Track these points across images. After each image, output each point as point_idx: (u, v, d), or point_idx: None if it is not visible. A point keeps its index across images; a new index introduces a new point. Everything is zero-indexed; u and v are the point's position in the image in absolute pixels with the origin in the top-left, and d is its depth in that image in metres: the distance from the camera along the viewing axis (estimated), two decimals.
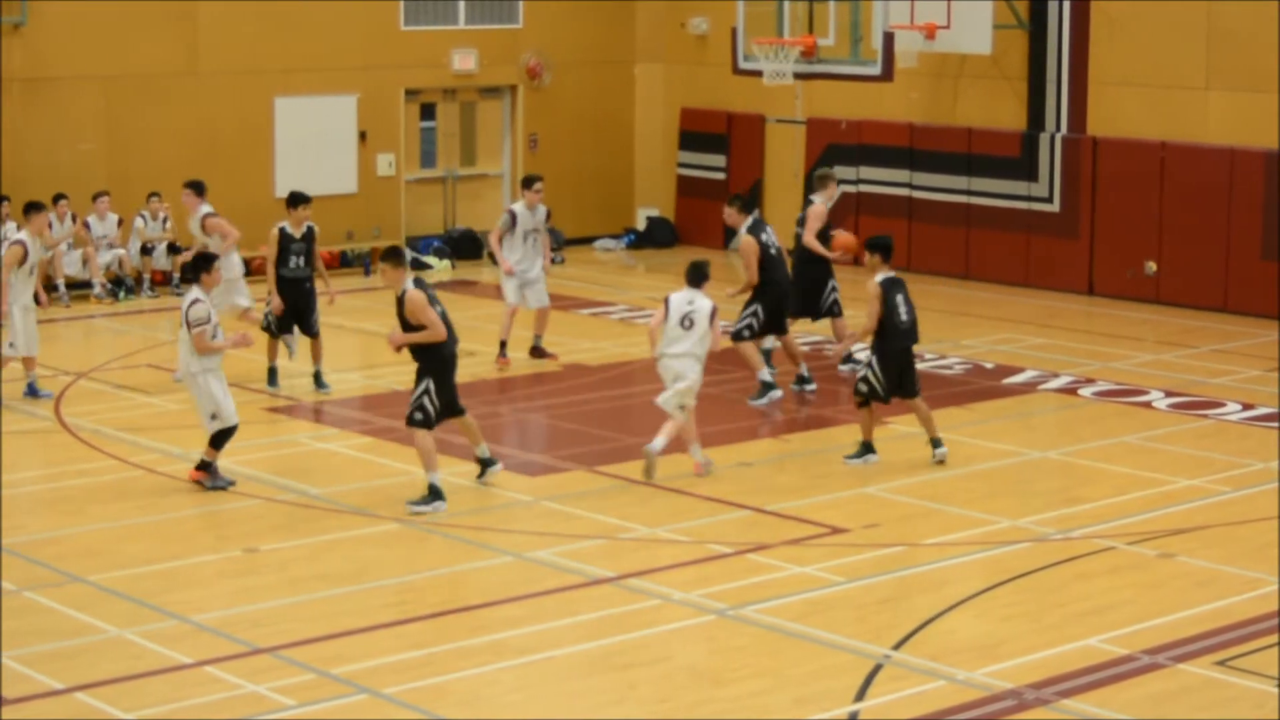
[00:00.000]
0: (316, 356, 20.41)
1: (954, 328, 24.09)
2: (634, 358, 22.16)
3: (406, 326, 15.78)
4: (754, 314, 19.74)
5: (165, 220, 26.40)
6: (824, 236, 20.68)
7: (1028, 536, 15.13)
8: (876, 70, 26.72)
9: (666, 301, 16.98)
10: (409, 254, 28.80)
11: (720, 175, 30.76)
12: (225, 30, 27.63)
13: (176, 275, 26.05)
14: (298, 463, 17.62)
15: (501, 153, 30.95)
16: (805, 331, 22.35)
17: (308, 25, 28.32)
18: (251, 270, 26.78)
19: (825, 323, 21.67)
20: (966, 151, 27.64)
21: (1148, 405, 19.85)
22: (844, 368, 21.17)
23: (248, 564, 14.44)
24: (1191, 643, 12.60)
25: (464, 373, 20.43)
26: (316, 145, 28.50)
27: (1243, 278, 24.87)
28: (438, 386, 15.80)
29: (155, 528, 15.39)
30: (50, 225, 24.29)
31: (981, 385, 20.86)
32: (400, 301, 15.76)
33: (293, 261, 20.17)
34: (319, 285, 20.46)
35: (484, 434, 16.66)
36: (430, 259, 29.04)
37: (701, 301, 16.86)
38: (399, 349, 16.03)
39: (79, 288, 25.99)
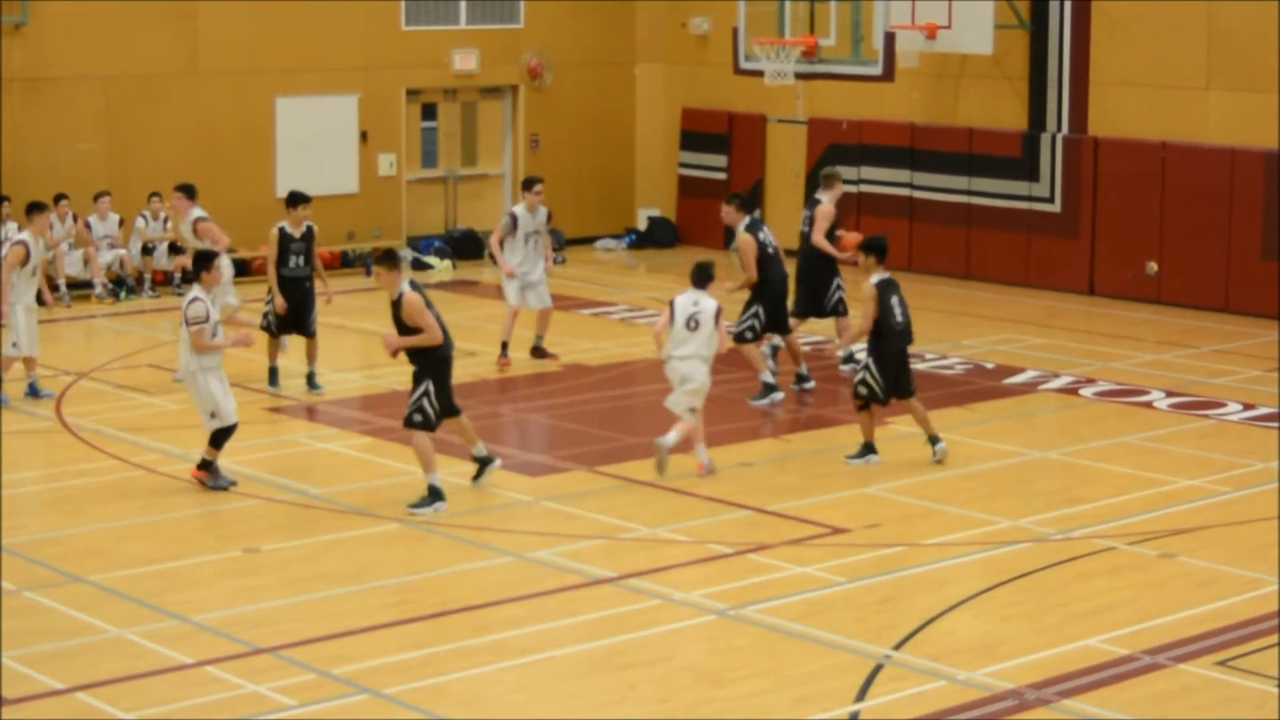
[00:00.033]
0: (311, 357, 20.40)
1: (955, 328, 24.09)
2: (635, 358, 22.17)
3: (404, 329, 15.77)
4: (755, 314, 19.77)
5: (166, 220, 26.38)
6: (830, 236, 20.71)
7: (1028, 537, 15.13)
8: (878, 70, 26.70)
9: (671, 304, 17.01)
10: (410, 254, 28.88)
11: (721, 175, 30.76)
12: (226, 30, 27.63)
13: (178, 275, 26.06)
14: (298, 463, 17.62)
15: (503, 153, 30.96)
16: (806, 331, 22.32)
17: (308, 25, 28.32)
18: (252, 270, 26.90)
19: (824, 321, 21.67)
20: (967, 151, 27.64)
21: (1148, 405, 19.85)
22: (845, 368, 21.17)
23: (248, 564, 14.44)
24: (1192, 643, 12.60)
25: (465, 373, 20.48)
26: (317, 145, 28.51)
27: (1243, 278, 24.87)
28: (437, 388, 15.79)
29: (156, 528, 15.39)
30: (51, 225, 24.29)
31: (982, 385, 20.86)
32: (397, 304, 15.74)
33: (292, 261, 20.18)
34: (317, 285, 20.46)
35: (485, 434, 16.66)
36: (431, 259, 29.04)
37: (706, 302, 16.87)
38: (395, 354, 16.02)
39: (80, 288, 26.00)
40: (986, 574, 14.18)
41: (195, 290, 16.32)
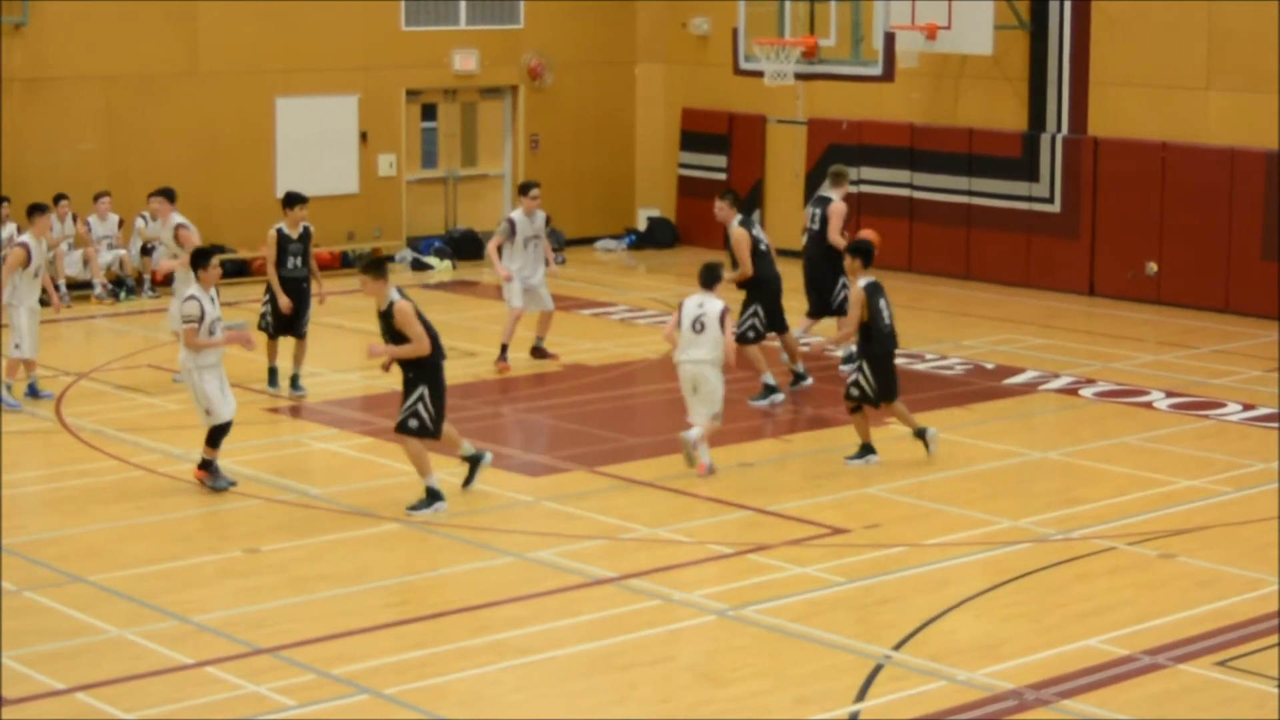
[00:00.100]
0: (299, 359, 20.32)
1: (955, 328, 24.09)
2: (635, 358, 22.17)
3: (396, 338, 15.62)
4: (754, 314, 19.80)
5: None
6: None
7: (1028, 537, 15.13)
8: (877, 70, 26.72)
9: (680, 306, 17.08)
10: (410, 255, 28.88)
11: (721, 176, 30.75)
12: (225, 30, 27.64)
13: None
14: (298, 463, 17.62)
15: (503, 153, 30.96)
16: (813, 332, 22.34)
17: (308, 25, 28.33)
18: (252, 271, 26.90)
19: (824, 322, 21.68)
20: (967, 152, 27.64)
21: (1148, 406, 19.85)
22: (845, 368, 21.17)
23: (248, 564, 14.44)
24: (1192, 643, 12.59)
25: (465, 373, 20.51)
26: (317, 145, 28.51)
27: (1243, 278, 24.87)
28: (432, 395, 15.67)
29: (156, 528, 15.38)
30: (50, 226, 24.25)
31: (982, 385, 20.86)
32: (386, 314, 15.53)
33: (290, 262, 20.17)
34: (313, 286, 20.44)
35: (486, 434, 16.66)
36: (431, 259, 29.04)
37: (711, 304, 16.90)
38: (387, 367, 15.92)
39: (80, 288, 26.00)
40: (987, 574, 14.18)
41: (192, 288, 16.34)
